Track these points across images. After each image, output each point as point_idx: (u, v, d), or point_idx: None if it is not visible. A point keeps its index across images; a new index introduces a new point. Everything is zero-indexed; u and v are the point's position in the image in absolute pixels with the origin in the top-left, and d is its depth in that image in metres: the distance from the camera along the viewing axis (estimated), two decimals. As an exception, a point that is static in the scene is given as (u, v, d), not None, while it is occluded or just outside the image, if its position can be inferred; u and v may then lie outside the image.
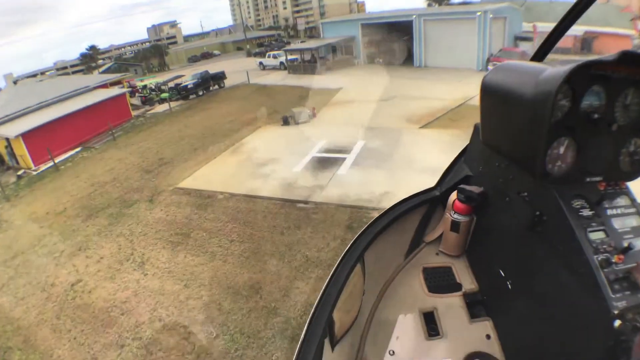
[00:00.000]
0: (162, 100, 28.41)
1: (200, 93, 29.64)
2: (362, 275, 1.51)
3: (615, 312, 0.89)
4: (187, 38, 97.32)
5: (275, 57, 37.90)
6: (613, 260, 0.97)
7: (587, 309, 0.96)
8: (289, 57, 34.80)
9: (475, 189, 1.49)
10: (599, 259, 0.97)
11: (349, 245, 1.45)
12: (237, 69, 35.77)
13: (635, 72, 1.07)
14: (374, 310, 1.56)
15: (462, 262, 1.71)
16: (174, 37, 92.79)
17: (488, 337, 1.44)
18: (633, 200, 1.12)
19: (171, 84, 31.33)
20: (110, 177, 14.82)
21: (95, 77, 32.00)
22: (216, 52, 69.51)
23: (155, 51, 63.53)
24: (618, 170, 1.15)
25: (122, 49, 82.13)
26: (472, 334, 1.46)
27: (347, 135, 14.61)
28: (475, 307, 1.57)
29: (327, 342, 1.25)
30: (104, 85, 27.63)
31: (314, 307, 1.22)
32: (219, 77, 31.66)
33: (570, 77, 0.98)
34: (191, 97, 29.05)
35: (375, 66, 31.33)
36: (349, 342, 1.42)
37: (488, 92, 1.30)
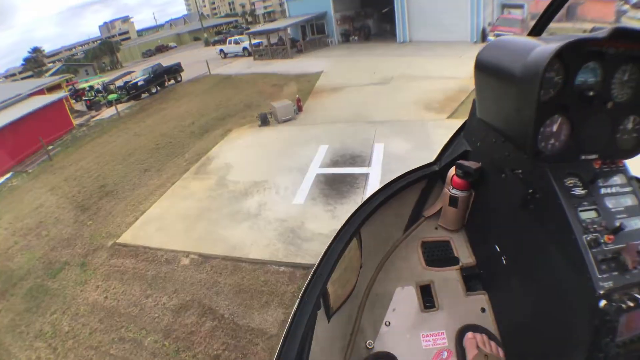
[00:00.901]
0: (110, 103, 23.66)
1: (154, 91, 25.04)
2: (359, 250, 1.50)
3: (601, 292, 0.86)
4: (140, 33, 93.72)
5: (237, 42, 33.23)
6: (602, 240, 0.93)
7: (574, 289, 0.94)
8: (254, 41, 30.22)
9: (472, 164, 1.44)
10: (588, 238, 0.93)
11: (345, 221, 1.41)
12: (196, 60, 31.16)
13: (632, 47, 1.00)
14: (371, 284, 1.55)
15: (460, 237, 1.67)
16: (127, 32, 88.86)
17: (483, 310, 1.43)
18: (629, 178, 1.05)
19: (120, 82, 26.53)
20: (37, 220, 10.12)
21: (28, 83, 26.19)
22: (172, 44, 66.03)
23: (105, 48, 59.20)
24: (615, 148, 1.08)
25: (73, 50, 77.44)
26: (468, 307, 1.45)
27: (354, 136, 10.50)
28: (471, 280, 1.55)
29: (322, 314, 1.24)
30: (40, 92, 22.27)
31: (307, 281, 1.19)
32: (175, 70, 27.06)
33: (560, 54, 0.93)
34: (143, 96, 24.55)
35: (352, 45, 27.16)
36: (345, 314, 1.42)
37: (481, 68, 1.25)
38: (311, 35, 29.19)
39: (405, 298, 1.53)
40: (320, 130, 11.55)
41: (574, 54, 0.96)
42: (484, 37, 21.83)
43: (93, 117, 22.88)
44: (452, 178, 1.54)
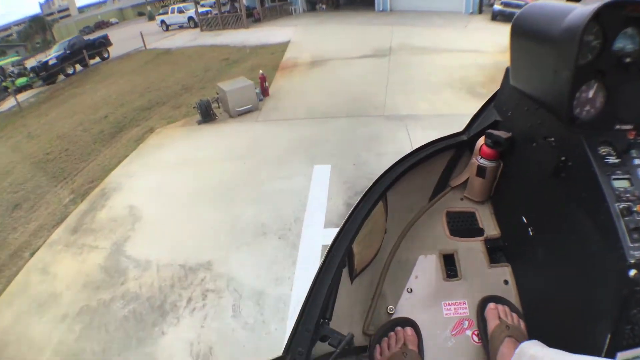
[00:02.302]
0: (19, 89, 17.57)
1: (70, 71, 18.86)
2: (385, 214, 1.44)
3: (632, 261, 0.81)
4: (82, 9, 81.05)
5: (181, 11, 26.81)
6: (635, 209, 0.86)
7: (604, 257, 0.89)
8: (201, 9, 24.25)
9: (502, 133, 1.35)
10: (620, 207, 0.87)
11: (372, 183, 1.33)
12: (133, 35, 24.61)
13: None
14: (395, 250, 1.50)
15: (486, 209, 1.59)
16: (67, 9, 78.27)
17: (506, 282, 1.37)
18: None
19: (34, 62, 20.18)
20: None
21: None
22: (113, 20, 57.73)
23: (37, 26, 51.21)
24: None
25: (10, 30, 67.53)
26: (490, 278, 1.39)
27: (374, 143, 5.72)
28: (495, 253, 1.49)
29: (345, 274, 1.23)
30: None
31: (333, 237, 1.13)
32: (99, 45, 20.90)
33: (598, 16, 0.87)
34: (61, 78, 18.47)
35: (321, 14, 21.83)
36: (368, 278, 1.39)
37: (517, 32, 1.18)
38: (271, 2, 23.61)
39: (428, 266, 1.46)
40: (305, 132, 6.53)
41: (612, 18, 0.91)
42: (480, 7, 17.80)
43: (-5, 107, 16.67)
44: (480, 147, 1.45)
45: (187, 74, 13.49)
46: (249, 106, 7.78)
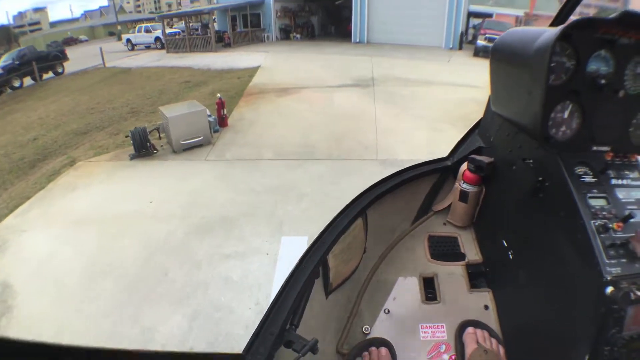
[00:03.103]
0: None
1: (18, 84, 16.48)
2: (364, 231, 1.41)
3: (608, 277, 0.80)
4: (55, 24, 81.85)
5: (148, 30, 24.73)
6: (611, 226, 0.86)
7: (581, 276, 0.88)
8: (169, 29, 22.45)
9: (485, 158, 1.36)
10: (596, 224, 0.86)
11: (352, 199, 1.32)
12: (98, 52, 22.65)
13: None
14: (374, 270, 1.47)
15: (468, 234, 1.56)
16: (38, 23, 75.02)
17: (486, 307, 1.34)
18: None
19: None
20: None
21: None
22: (83, 37, 54.48)
23: (1, 36, 47.25)
24: (628, 142, 1.02)
25: None
26: (470, 303, 1.36)
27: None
28: (477, 278, 1.44)
29: (320, 287, 1.20)
30: None
31: (307, 246, 1.11)
32: (53, 58, 18.54)
33: (571, 39, 0.92)
34: (5, 90, 16.15)
35: (295, 43, 20.51)
36: (344, 295, 1.35)
37: (495, 57, 1.22)
38: (243, 27, 22.12)
39: (407, 288, 1.42)
40: (271, 180, 4.66)
41: (584, 40, 0.93)
42: (461, 43, 17.08)
43: None
44: (463, 172, 1.45)
45: (140, 95, 11.71)
46: (199, 138, 5.83)
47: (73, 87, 14.93)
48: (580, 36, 0.91)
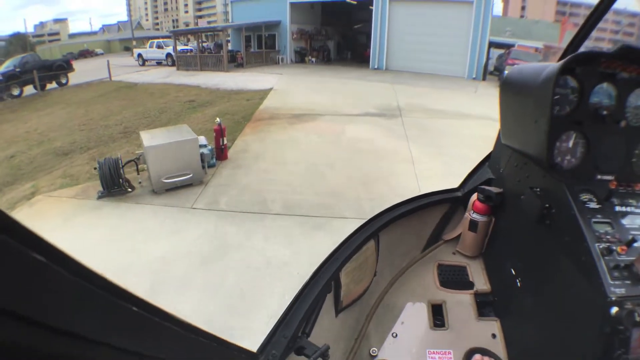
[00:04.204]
0: None
1: (17, 92, 15.52)
2: (376, 254, 1.41)
3: (613, 298, 0.80)
4: (74, 36, 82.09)
5: (160, 46, 23.91)
6: (615, 249, 0.87)
7: (586, 297, 0.88)
8: (180, 46, 21.64)
9: (494, 189, 1.38)
10: (601, 247, 0.88)
11: (364, 222, 1.34)
12: (112, 66, 21.97)
13: None
14: (383, 294, 1.46)
15: (477, 264, 1.54)
16: (57, 33, 78.86)
17: (494, 336, 1.31)
18: None
19: None
20: None
21: None
22: (99, 50, 54.72)
23: (17, 44, 47.69)
24: (631, 171, 1.05)
25: None
26: (478, 331, 1.33)
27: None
28: (485, 307, 1.42)
29: (330, 304, 1.19)
30: None
31: (322, 261, 1.13)
32: (58, 68, 17.58)
33: (570, 70, 0.97)
34: (3, 98, 15.07)
35: (311, 66, 19.40)
36: (353, 316, 1.34)
37: (505, 90, 1.26)
38: (257, 48, 21.18)
39: (415, 313, 1.41)
40: (279, 252, 3.17)
41: (588, 73, 0.97)
42: (485, 74, 15.92)
43: None
44: (473, 203, 1.44)
45: (138, 113, 10.61)
46: (187, 176, 4.41)
47: (72, 100, 14.09)
48: (583, 70, 0.96)
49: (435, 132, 6.71)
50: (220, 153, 5.17)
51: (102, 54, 52.95)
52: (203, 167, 4.65)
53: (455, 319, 1.36)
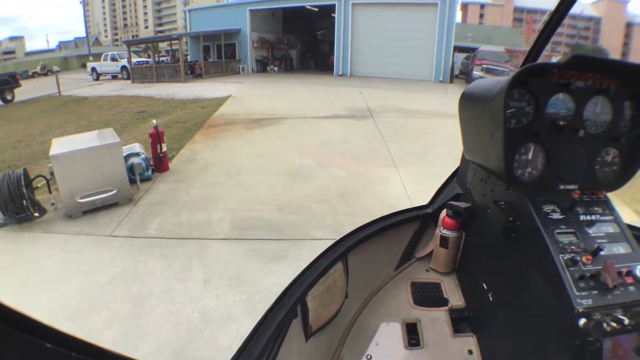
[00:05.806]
0: None
1: None
2: (345, 276, 1.34)
3: (580, 309, 0.78)
4: (30, 54, 79.42)
5: (115, 59, 22.47)
6: (580, 259, 0.86)
7: (555, 310, 0.86)
8: (135, 59, 20.33)
9: (462, 204, 1.36)
10: (565, 258, 0.86)
11: (332, 243, 1.29)
12: (64, 81, 20.13)
13: (599, 80, 1.00)
14: (356, 315, 1.41)
15: (451, 280, 1.50)
16: (13, 52, 77.28)
17: (470, 352, 1.28)
18: (612, 209, 1.00)
19: None
20: None
21: None
22: (55, 67, 52.11)
23: None
24: (594, 179, 1.04)
25: None
26: (454, 348, 1.30)
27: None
28: (460, 323, 1.38)
29: (299, 330, 1.12)
30: None
31: (286, 286, 1.05)
32: (3, 83, 16.33)
33: (523, 82, 0.95)
34: None
35: (273, 75, 18.61)
36: (326, 340, 1.27)
37: (463, 105, 1.22)
38: (217, 58, 20.17)
39: (389, 334, 1.37)
40: (225, 300, 2.26)
41: (541, 85, 0.96)
42: (452, 76, 15.87)
43: None
44: (443, 219, 1.43)
45: (82, 127, 9.50)
46: (109, 193, 3.42)
47: (14, 116, 12.92)
48: (536, 82, 0.95)
49: (415, 132, 6.06)
50: (159, 163, 4.20)
51: (58, 71, 50.55)
52: (134, 180, 3.69)
53: (431, 337, 1.32)
